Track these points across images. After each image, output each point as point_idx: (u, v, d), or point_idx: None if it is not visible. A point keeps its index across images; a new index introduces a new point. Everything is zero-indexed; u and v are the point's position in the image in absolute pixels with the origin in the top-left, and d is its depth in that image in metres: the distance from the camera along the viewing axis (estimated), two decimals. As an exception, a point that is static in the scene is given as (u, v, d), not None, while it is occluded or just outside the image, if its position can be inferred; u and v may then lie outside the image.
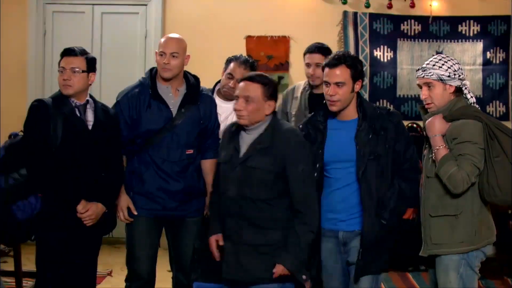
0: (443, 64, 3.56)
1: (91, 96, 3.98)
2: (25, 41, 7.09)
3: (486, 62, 7.19)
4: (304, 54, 4.79)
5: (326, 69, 3.63)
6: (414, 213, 3.74)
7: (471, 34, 7.16)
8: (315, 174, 3.64)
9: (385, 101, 7.02)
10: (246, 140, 3.59)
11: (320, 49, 4.73)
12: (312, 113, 3.84)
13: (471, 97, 3.62)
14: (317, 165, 3.66)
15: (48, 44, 7.13)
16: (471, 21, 7.16)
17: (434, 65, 3.56)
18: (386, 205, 3.60)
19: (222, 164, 3.65)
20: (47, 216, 3.83)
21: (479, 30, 7.16)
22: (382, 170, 3.61)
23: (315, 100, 4.67)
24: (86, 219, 3.84)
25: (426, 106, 3.62)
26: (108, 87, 6.56)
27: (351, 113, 3.70)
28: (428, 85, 3.56)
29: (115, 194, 4.04)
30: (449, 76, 3.54)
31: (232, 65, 4.55)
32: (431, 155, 3.53)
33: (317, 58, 4.67)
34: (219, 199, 3.65)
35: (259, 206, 3.49)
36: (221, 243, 3.62)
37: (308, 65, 4.73)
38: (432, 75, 3.54)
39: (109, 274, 6.01)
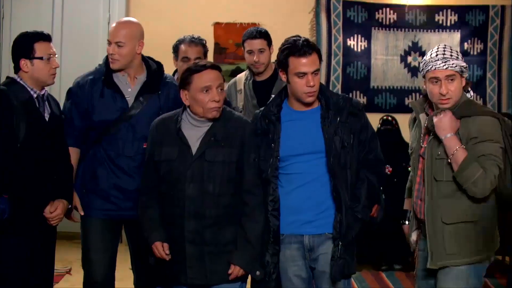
0: (458, 55, 3.26)
1: None
2: (-19, 26, 6.84)
3: (464, 53, 7.00)
4: (243, 42, 4.49)
5: (300, 59, 3.30)
6: (376, 210, 3.47)
7: (449, 24, 7.06)
8: (269, 171, 3.39)
9: (358, 92, 6.90)
10: (194, 134, 3.37)
11: (261, 33, 4.44)
12: (265, 106, 3.55)
13: (470, 90, 3.39)
14: (271, 161, 3.39)
15: (6, 28, 6.88)
16: (449, 11, 7.05)
17: (451, 55, 3.23)
18: (358, 198, 3.34)
19: (165, 163, 3.38)
20: (13, 219, 3.50)
21: (456, 20, 7.05)
22: (350, 161, 3.36)
23: (259, 87, 4.47)
24: (55, 219, 3.62)
25: (442, 102, 3.24)
26: (69, 75, 5.96)
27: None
28: (451, 78, 3.22)
29: (72, 187, 3.81)
30: (466, 68, 3.26)
31: (182, 47, 4.31)
32: (438, 156, 3.24)
33: (259, 43, 4.40)
34: (163, 201, 3.41)
35: (222, 202, 3.31)
36: (167, 251, 3.38)
37: (250, 52, 4.43)
38: (456, 66, 3.21)
39: (68, 272, 5.79)
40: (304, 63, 3.30)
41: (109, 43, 3.80)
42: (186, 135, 3.36)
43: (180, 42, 4.33)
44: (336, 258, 3.29)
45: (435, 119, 3.23)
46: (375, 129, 6.41)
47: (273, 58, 4.41)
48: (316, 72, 3.32)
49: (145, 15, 6.67)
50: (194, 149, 3.33)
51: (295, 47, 3.32)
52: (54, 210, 3.60)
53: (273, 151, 3.38)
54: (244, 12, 6.80)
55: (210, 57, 6.49)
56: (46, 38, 3.63)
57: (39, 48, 3.58)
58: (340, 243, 3.28)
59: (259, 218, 3.36)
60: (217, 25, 6.83)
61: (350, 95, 6.62)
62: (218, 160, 3.31)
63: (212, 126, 3.35)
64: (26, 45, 3.59)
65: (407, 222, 3.60)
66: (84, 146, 3.86)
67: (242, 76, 4.68)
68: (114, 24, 3.87)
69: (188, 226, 3.31)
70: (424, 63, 3.29)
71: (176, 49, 4.35)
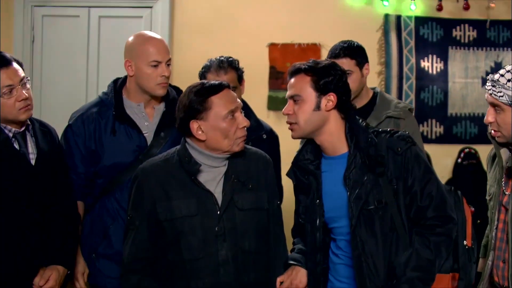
0: None
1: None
2: (11, 49, 6.33)
3: (553, 74, 6.31)
4: None
5: None
6: (454, 280, 2.70)
7: (536, 41, 6.40)
8: (317, 235, 2.78)
9: (434, 121, 6.26)
10: (210, 177, 2.76)
11: (346, 50, 3.62)
12: (297, 154, 2.92)
13: None
14: (317, 222, 2.76)
15: (37, 52, 6.50)
16: (536, 26, 6.40)
17: (509, 80, 2.65)
18: (399, 274, 2.60)
19: (182, 220, 2.71)
20: None
21: (545, 36, 6.40)
22: (393, 223, 2.64)
23: None
24: None
25: (492, 134, 2.86)
26: (107, 103, 5.87)
27: (339, 143, 2.77)
28: (496, 108, 2.72)
29: (75, 246, 3.18)
30: None
31: (210, 77, 3.64)
32: None
33: (345, 64, 3.54)
34: (173, 274, 2.74)
35: (260, 262, 2.84)
36: None
37: None
38: (502, 96, 2.66)
39: None
40: None
41: (156, 64, 3.21)
42: (200, 180, 2.74)
43: (206, 69, 3.69)
44: None
45: None
46: (454, 162, 5.88)
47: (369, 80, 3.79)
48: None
49: (191, 35, 6.31)
50: (217, 197, 2.71)
51: None
52: (44, 282, 2.93)
53: (318, 208, 2.75)
54: (303, 31, 6.27)
55: (265, 82, 6.09)
56: (2, 63, 2.88)
57: (4, 77, 2.86)
58: None
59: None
60: (272, 46, 6.28)
61: (425, 124, 6.18)
62: (250, 208, 2.75)
63: (230, 165, 2.76)
64: None
65: None
66: (89, 198, 3.25)
67: None
68: (152, 42, 3.30)
69: None
70: None
71: (202, 79, 3.68)
